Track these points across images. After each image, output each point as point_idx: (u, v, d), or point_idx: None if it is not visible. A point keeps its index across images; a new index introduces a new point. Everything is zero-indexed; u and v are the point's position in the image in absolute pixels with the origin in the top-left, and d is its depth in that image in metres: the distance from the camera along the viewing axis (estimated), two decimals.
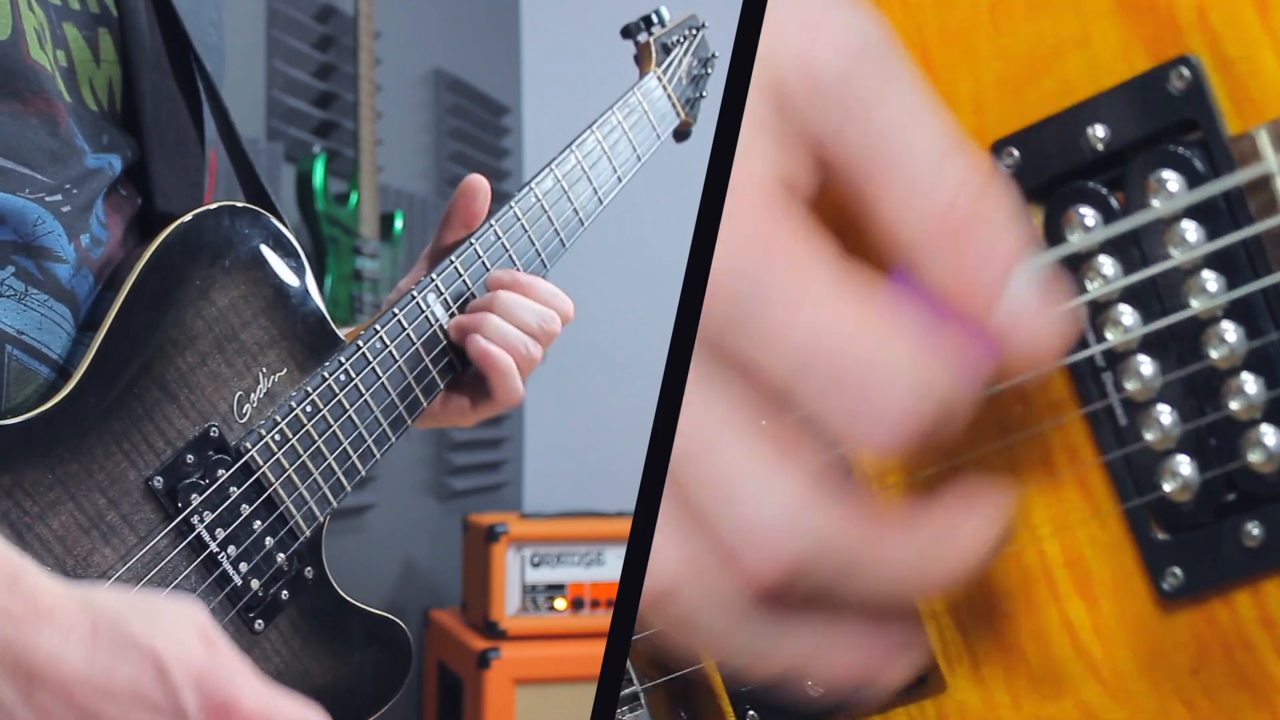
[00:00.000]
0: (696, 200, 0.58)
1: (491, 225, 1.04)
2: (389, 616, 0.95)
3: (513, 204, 1.05)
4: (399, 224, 2.74)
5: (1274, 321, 0.53)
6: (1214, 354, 0.54)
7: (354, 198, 2.60)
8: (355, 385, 0.93)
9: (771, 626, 0.53)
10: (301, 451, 0.89)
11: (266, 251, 0.89)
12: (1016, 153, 0.58)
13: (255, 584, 0.87)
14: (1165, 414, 0.56)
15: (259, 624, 0.88)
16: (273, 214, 0.91)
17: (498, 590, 2.76)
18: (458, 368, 1.01)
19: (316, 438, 0.90)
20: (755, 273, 0.52)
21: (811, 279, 0.51)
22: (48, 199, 0.81)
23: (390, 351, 0.96)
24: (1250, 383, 0.54)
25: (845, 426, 0.50)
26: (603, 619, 2.78)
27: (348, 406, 0.93)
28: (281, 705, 0.69)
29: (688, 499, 0.53)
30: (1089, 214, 0.57)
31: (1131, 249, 0.56)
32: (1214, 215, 0.54)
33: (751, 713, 0.67)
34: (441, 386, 1.00)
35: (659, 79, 1.20)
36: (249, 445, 0.87)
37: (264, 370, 0.88)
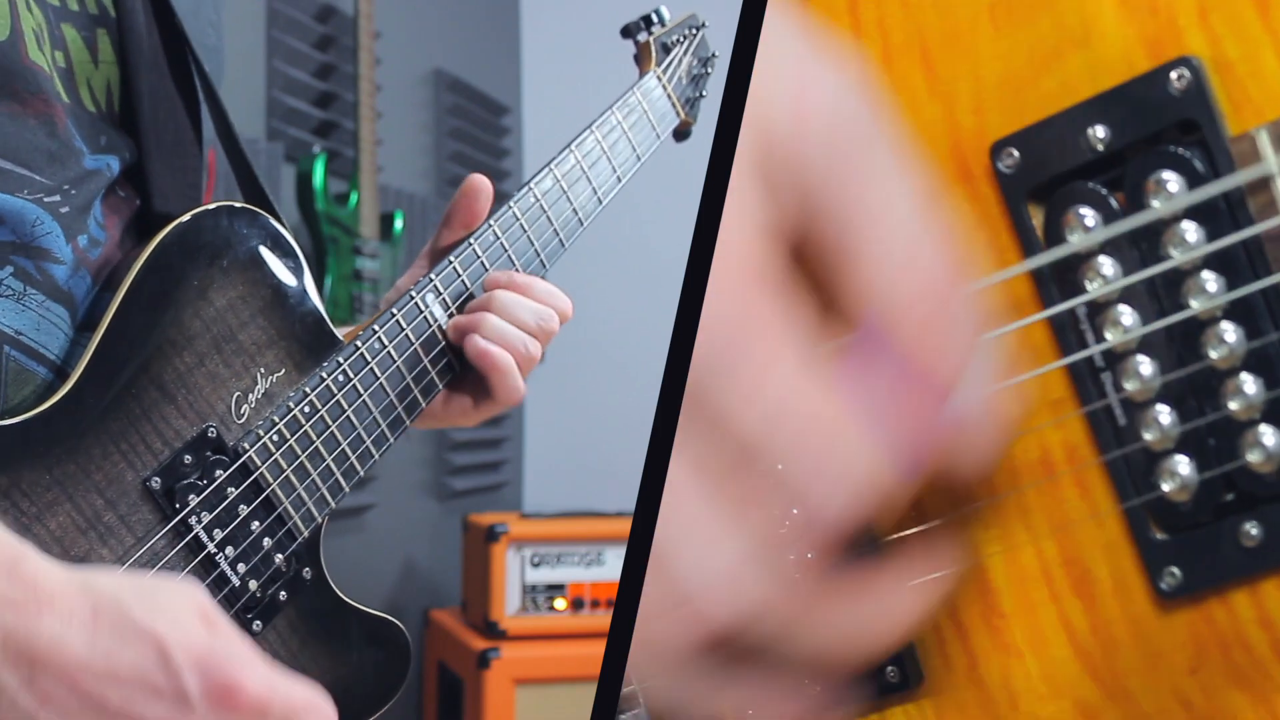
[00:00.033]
0: (696, 200, 0.58)
1: (490, 225, 1.04)
2: (387, 617, 0.95)
3: (512, 204, 1.05)
4: (399, 224, 2.74)
5: (1273, 322, 0.53)
6: (1213, 354, 0.54)
7: (354, 198, 2.60)
8: (353, 386, 0.93)
9: (713, 674, 0.55)
10: (300, 452, 0.89)
11: (265, 252, 0.89)
12: (1017, 153, 0.58)
13: (253, 584, 0.87)
14: (1164, 414, 0.56)
15: (257, 625, 0.88)
16: (271, 214, 0.91)
17: (498, 590, 2.76)
18: (456, 368, 1.01)
19: (315, 438, 0.90)
20: (732, 332, 0.54)
21: (782, 349, 0.53)
22: (46, 200, 0.81)
23: (389, 352, 0.96)
24: (1249, 383, 0.54)
25: (799, 494, 0.53)
26: (603, 619, 2.78)
27: (346, 407, 0.92)
28: (283, 686, 0.70)
29: (655, 558, 0.56)
30: (1089, 214, 0.57)
31: (1131, 249, 0.56)
32: (1214, 216, 0.54)
33: (749, 711, 0.67)
34: (440, 387, 1.00)
35: (659, 78, 1.20)
36: (247, 446, 0.87)
37: (262, 371, 0.88)
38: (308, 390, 0.90)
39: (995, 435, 0.55)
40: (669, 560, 0.55)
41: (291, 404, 0.89)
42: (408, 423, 0.97)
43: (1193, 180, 0.55)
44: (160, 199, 0.89)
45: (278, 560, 0.88)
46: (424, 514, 3.20)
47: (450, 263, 1.01)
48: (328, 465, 0.91)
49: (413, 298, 0.98)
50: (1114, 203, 0.57)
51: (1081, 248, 0.57)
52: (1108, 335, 0.56)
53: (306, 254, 0.92)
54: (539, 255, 1.06)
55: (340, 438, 0.92)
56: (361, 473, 0.93)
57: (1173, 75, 0.55)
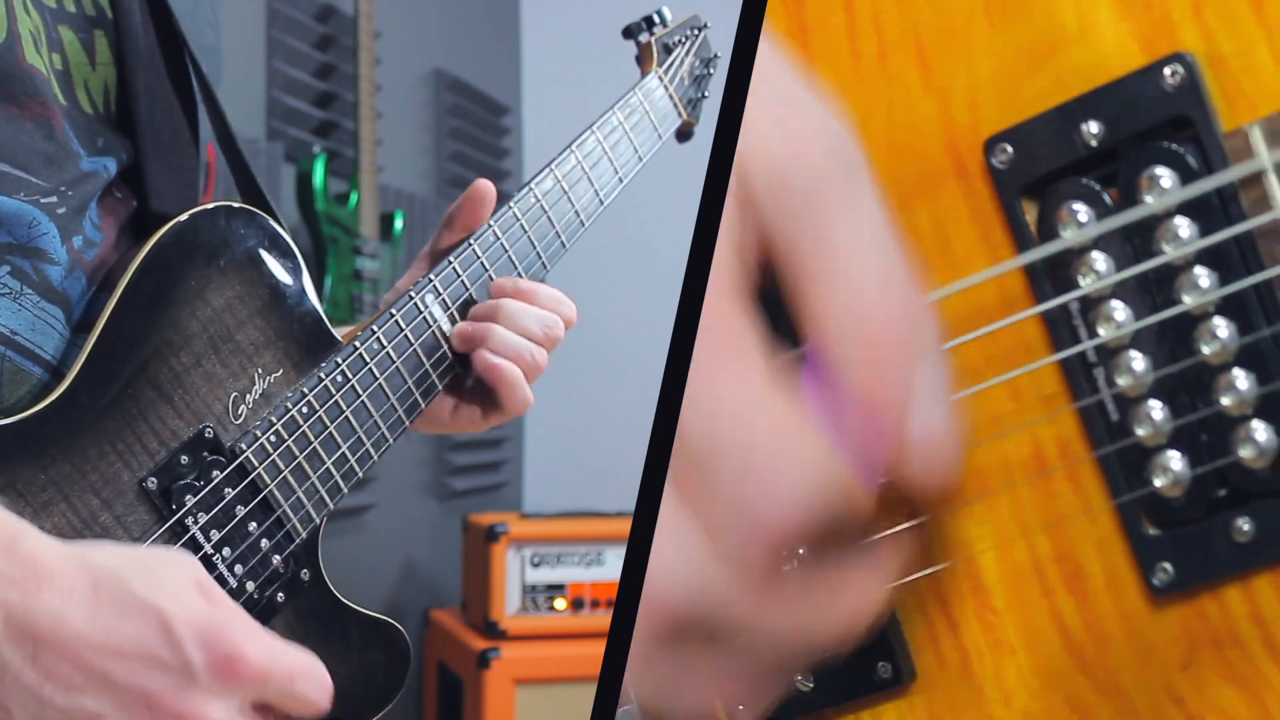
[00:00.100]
0: (696, 201, 0.58)
1: (491, 226, 1.04)
2: (387, 619, 0.95)
3: (512, 204, 1.05)
4: (399, 224, 2.74)
5: (1265, 317, 0.53)
6: (1206, 350, 0.54)
7: (354, 198, 2.60)
8: (352, 386, 0.93)
9: (676, 660, 0.56)
10: (298, 453, 0.89)
11: (262, 252, 0.89)
12: (1010, 149, 0.58)
13: (250, 586, 0.87)
14: (1157, 409, 0.56)
15: None
16: (269, 214, 0.91)
17: (498, 590, 2.76)
18: (456, 370, 1.01)
19: (313, 439, 0.90)
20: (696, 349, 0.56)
21: (738, 359, 0.54)
22: (43, 201, 0.81)
23: (388, 353, 0.96)
24: (1241, 378, 0.54)
25: (750, 497, 0.54)
26: (603, 619, 2.78)
27: (344, 408, 0.92)
28: (283, 655, 0.71)
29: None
30: (1082, 210, 0.57)
31: (1124, 245, 0.56)
32: (1207, 211, 0.54)
33: (741, 708, 0.67)
34: (440, 388, 1.00)
35: (660, 79, 1.20)
36: (244, 446, 0.87)
37: (259, 371, 0.88)
38: (305, 391, 0.90)
39: (949, 452, 0.56)
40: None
41: (289, 404, 0.89)
42: (407, 424, 0.97)
43: (1186, 176, 0.55)
44: (157, 200, 0.89)
45: (275, 561, 0.88)
46: (424, 514, 3.20)
47: (450, 263, 1.01)
48: (326, 466, 0.91)
49: (412, 298, 0.98)
50: (1107, 198, 0.57)
51: (1074, 243, 0.57)
52: (1100, 330, 0.56)
53: (306, 254, 0.92)
54: (540, 256, 1.06)
55: (339, 439, 0.92)
56: (360, 474, 0.93)
57: (1166, 71, 0.55)
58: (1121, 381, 0.56)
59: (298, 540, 0.89)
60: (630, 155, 1.14)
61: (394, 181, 2.98)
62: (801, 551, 0.55)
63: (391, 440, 0.96)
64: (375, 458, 0.94)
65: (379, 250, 2.62)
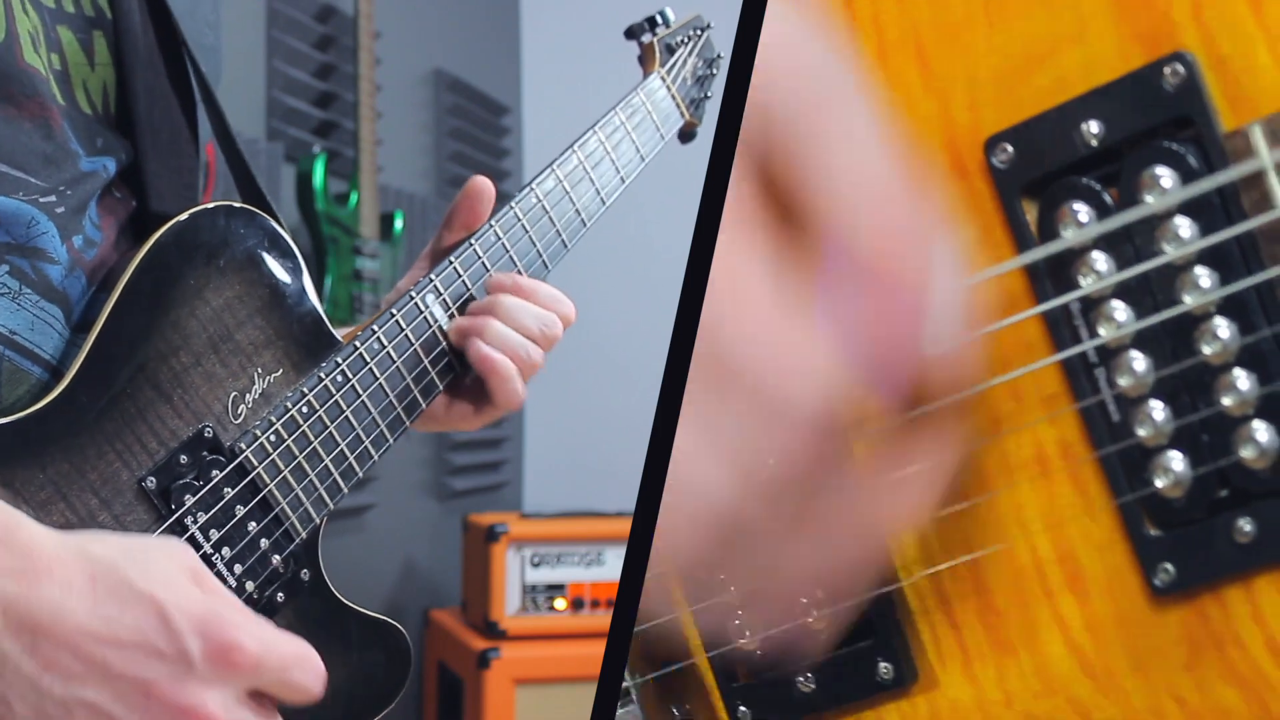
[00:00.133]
0: (697, 201, 0.58)
1: (492, 226, 1.04)
2: (387, 620, 0.95)
3: (513, 204, 1.05)
4: (399, 224, 2.74)
5: (1266, 317, 0.53)
6: (1206, 350, 0.54)
7: (354, 198, 2.60)
8: (352, 386, 0.93)
9: (717, 572, 0.56)
10: (297, 453, 0.89)
11: (262, 252, 0.89)
12: (1011, 148, 0.58)
13: (250, 585, 0.87)
14: (1158, 410, 0.56)
15: None
16: (269, 214, 0.91)
17: (498, 590, 2.76)
18: (456, 369, 1.01)
19: (313, 439, 0.90)
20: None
21: (749, 278, 0.55)
22: (41, 200, 0.81)
23: (388, 352, 0.96)
24: (1243, 379, 0.54)
25: (772, 410, 0.54)
26: (603, 619, 2.78)
27: (344, 408, 0.92)
28: (278, 644, 0.72)
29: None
30: (1082, 210, 0.57)
31: (1125, 245, 0.56)
32: (1207, 211, 0.54)
33: (743, 709, 0.67)
34: (440, 388, 1.00)
35: (662, 79, 1.20)
36: (244, 446, 0.87)
37: (259, 371, 0.88)
38: (305, 390, 0.90)
39: (968, 334, 0.55)
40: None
41: (289, 404, 0.89)
42: (407, 424, 0.97)
43: (1186, 176, 0.54)
44: (157, 200, 0.89)
45: (275, 561, 0.88)
46: (424, 514, 3.20)
47: (450, 263, 1.01)
48: (326, 466, 0.91)
49: (412, 298, 0.98)
50: (1108, 198, 0.57)
51: (1075, 243, 0.57)
52: (1101, 331, 0.56)
53: (306, 254, 0.92)
54: (541, 256, 1.06)
55: (338, 438, 0.92)
56: (360, 473, 0.93)
57: (1167, 71, 0.55)
58: (1122, 382, 0.56)
59: (297, 540, 0.89)
60: (633, 155, 1.14)
61: (394, 181, 2.98)
62: (826, 469, 0.55)
63: (391, 440, 0.96)
64: (375, 457, 0.94)
65: (379, 250, 2.62)
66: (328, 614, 0.92)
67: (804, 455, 0.54)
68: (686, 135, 1.26)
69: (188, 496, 0.84)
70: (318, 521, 0.91)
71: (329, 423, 0.91)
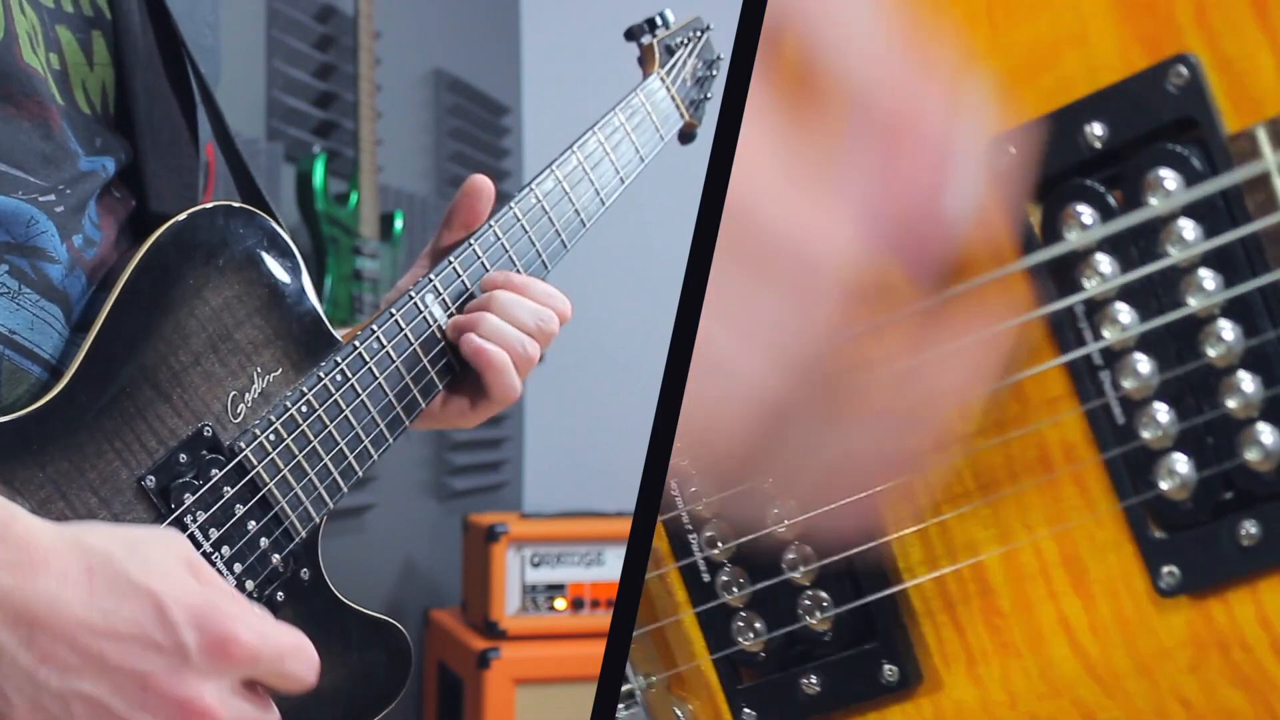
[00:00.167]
0: (697, 201, 0.58)
1: (491, 226, 1.04)
2: (388, 619, 0.95)
3: (513, 204, 1.05)
4: (399, 224, 2.74)
5: (1271, 320, 0.53)
6: (1211, 352, 0.54)
7: (354, 198, 2.60)
8: (352, 385, 0.93)
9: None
10: (297, 452, 0.89)
11: (261, 251, 0.89)
12: (1014, 150, 0.58)
13: (249, 584, 0.87)
14: (1162, 412, 0.56)
15: None
16: (268, 215, 0.91)
17: (498, 590, 2.76)
18: (456, 368, 1.01)
19: (312, 438, 0.90)
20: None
21: (768, 169, 0.54)
22: (40, 200, 0.81)
23: (387, 352, 0.96)
24: (1247, 381, 0.54)
25: (804, 295, 0.52)
26: (603, 619, 2.78)
27: (344, 407, 0.92)
28: (274, 635, 0.72)
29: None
30: (1086, 212, 0.57)
31: (1129, 247, 0.56)
32: (1212, 213, 0.54)
33: (748, 710, 0.68)
34: (440, 387, 1.00)
35: (662, 80, 1.20)
36: (243, 445, 0.87)
37: (258, 370, 0.88)
38: (305, 390, 0.90)
39: (991, 195, 0.54)
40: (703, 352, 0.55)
41: (288, 403, 0.89)
42: (407, 423, 0.97)
43: (1190, 178, 0.54)
44: (156, 199, 0.89)
45: (275, 560, 0.88)
46: (424, 514, 3.20)
47: (450, 263, 1.01)
48: (325, 465, 0.91)
49: (412, 298, 0.98)
50: (1112, 200, 0.57)
51: (1079, 245, 0.57)
52: (1105, 333, 0.56)
53: (306, 254, 0.92)
54: (540, 256, 1.06)
55: (338, 437, 0.92)
56: (360, 473, 0.93)
57: (1171, 73, 0.54)
58: (1127, 384, 0.56)
59: (297, 539, 0.89)
60: (632, 156, 1.14)
61: (394, 181, 2.98)
62: (866, 348, 0.53)
63: (391, 439, 0.96)
64: (375, 456, 0.94)
65: (379, 250, 2.62)
66: (328, 613, 0.92)
67: (840, 332, 0.52)
68: (686, 136, 1.26)
69: (187, 495, 0.84)
70: (317, 521, 0.91)
71: (328, 422, 0.91)
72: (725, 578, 0.67)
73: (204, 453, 0.85)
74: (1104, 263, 0.56)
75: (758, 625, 0.67)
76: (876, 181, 0.53)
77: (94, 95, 0.87)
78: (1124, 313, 0.56)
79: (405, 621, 0.96)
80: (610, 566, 2.82)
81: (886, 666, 0.63)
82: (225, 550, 0.85)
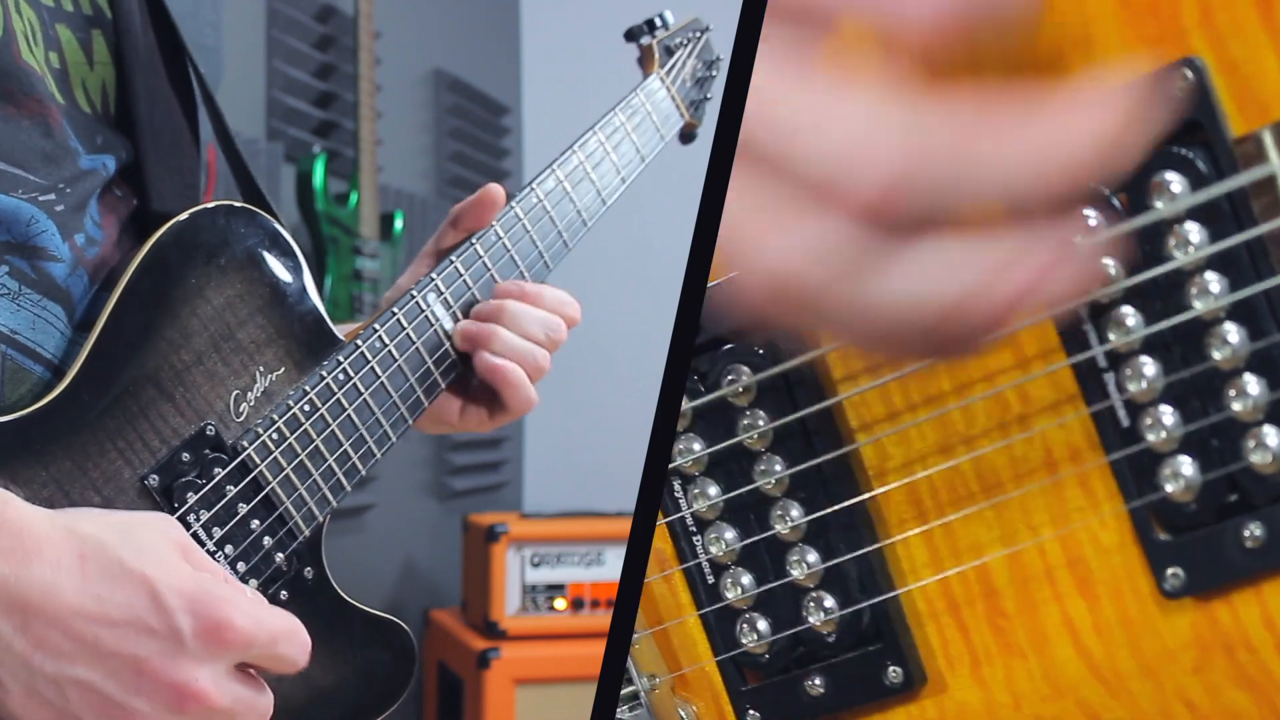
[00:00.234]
0: (697, 201, 0.58)
1: (493, 226, 1.04)
2: (392, 619, 0.95)
3: (514, 204, 1.05)
4: (399, 224, 2.74)
5: (1276, 323, 0.53)
6: (1216, 355, 0.54)
7: (354, 198, 2.60)
8: (354, 384, 0.93)
9: (899, 263, 0.47)
10: (300, 451, 0.89)
11: (263, 250, 0.89)
12: None
13: (253, 584, 0.87)
14: (1168, 415, 0.56)
15: None
16: (270, 214, 0.91)
17: (498, 590, 2.76)
18: (459, 368, 1.01)
19: (315, 437, 0.90)
20: None
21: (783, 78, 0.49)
22: (40, 199, 0.81)
23: (390, 351, 0.96)
24: (1252, 384, 0.54)
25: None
26: (603, 619, 2.78)
27: (347, 406, 0.92)
28: (268, 619, 0.73)
29: (767, 164, 0.49)
30: (1091, 215, 0.57)
31: (1134, 250, 0.56)
32: (1217, 217, 0.54)
33: (752, 712, 0.68)
34: (443, 386, 1.00)
35: (662, 80, 1.20)
36: (246, 444, 0.87)
37: (261, 369, 0.88)
38: (307, 389, 0.90)
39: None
40: (797, 162, 0.48)
41: (291, 402, 0.89)
42: (410, 422, 0.97)
43: (1196, 181, 0.54)
44: (158, 199, 0.90)
45: (278, 559, 0.88)
46: (424, 514, 3.20)
47: (452, 262, 1.01)
48: (329, 464, 0.91)
49: (414, 297, 0.98)
50: (1117, 203, 0.57)
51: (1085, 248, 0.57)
52: (1111, 336, 0.56)
53: (306, 254, 0.92)
54: (542, 256, 1.06)
55: (341, 436, 0.92)
56: (363, 471, 0.93)
57: (1176, 76, 0.54)
58: (1132, 387, 0.56)
59: (300, 538, 0.89)
60: (633, 155, 1.15)
61: (394, 181, 2.98)
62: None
63: (394, 438, 0.96)
64: (378, 455, 0.94)
65: (379, 250, 2.62)
66: (332, 612, 0.92)
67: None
68: (687, 136, 1.26)
69: (190, 494, 0.84)
70: (321, 520, 0.91)
71: (331, 421, 0.91)
72: (729, 579, 0.67)
73: (207, 452, 0.85)
74: (1109, 266, 0.56)
75: (762, 627, 0.67)
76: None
77: (94, 94, 0.87)
78: (1129, 316, 0.56)
79: (405, 621, 0.96)
80: (610, 566, 2.82)
81: (891, 668, 0.63)
82: (229, 549, 0.85)
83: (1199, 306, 0.55)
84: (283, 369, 0.89)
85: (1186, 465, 0.55)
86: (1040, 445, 0.58)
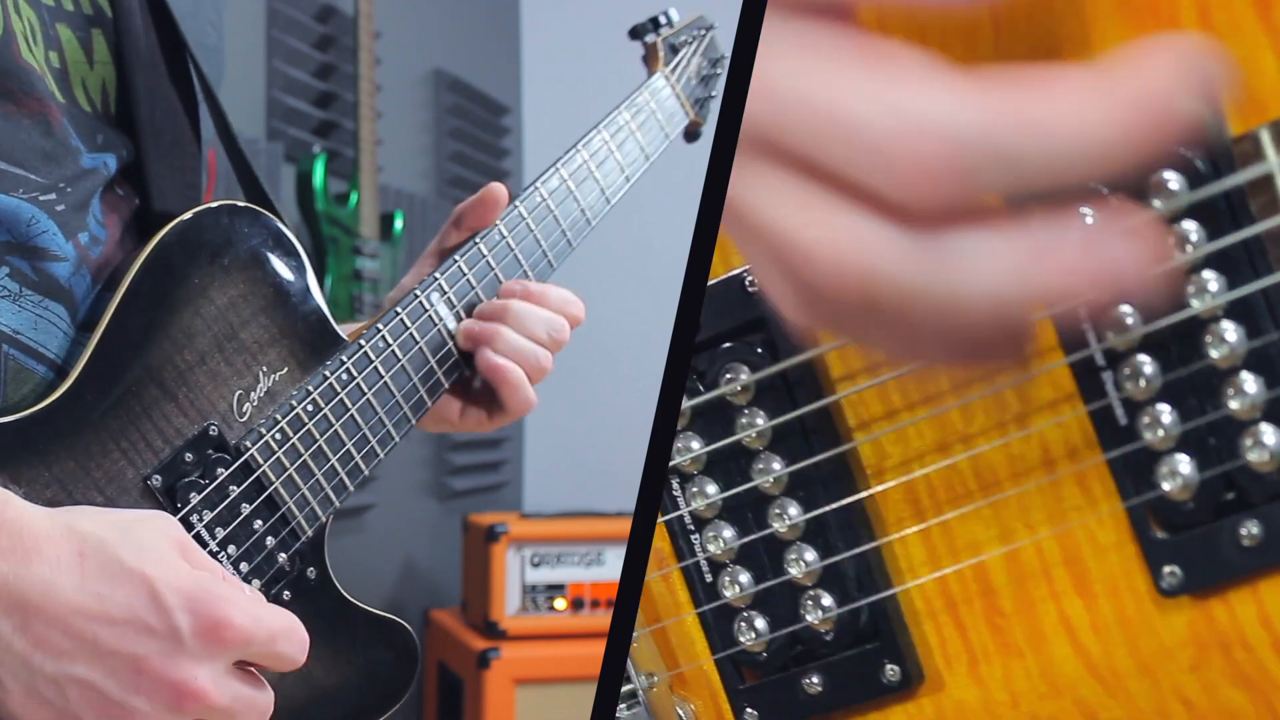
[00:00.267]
0: (698, 201, 0.58)
1: (497, 225, 1.04)
2: (394, 619, 0.95)
3: (518, 203, 1.05)
4: (399, 224, 2.74)
5: (1274, 321, 0.54)
6: (1214, 353, 0.54)
7: (354, 198, 2.60)
8: (358, 384, 0.93)
9: (969, 256, 0.46)
10: (303, 450, 0.89)
11: (266, 250, 0.89)
12: None
13: (256, 584, 0.87)
14: (1165, 413, 0.56)
15: None
16: (273, 214, 0.91)
17: (498, 590, 2.76)
18: (463, 368, 1.01)
19: (318, 437, 0.90)
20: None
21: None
22: (41, 198, 0.81)
23: (393, 350, 0.96)
24: (1250, 382, 0.54)
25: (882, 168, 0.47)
26: (603, 619, 2.78)
27: (350, 405, 0.92)
28: (266, 617, 0.73)
29: (803, 159, 0.48)
30: (1088, 214, 0.57)
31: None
32: (1215, 215, 0.54)
33: (750, 710, 0.68)
34: (446, 386, 1.00)
35: (667, 79, 1.20)
36: (249, 444, 0.87)
37: (264, 369, 0.88)
38: (311, 389, 0.90)
39: None
40: (842, 162, 0.47)
41: (294, 402, 0.89)
42: (413, 421, 0.97)
43: (1194, 179, 0.55)
44: (159, 198, 0.90)
45: (281, 559, 0.88)
46: (424, 514, 3.20)
47: (455, 261, 1.01)
48: (332, 464, 0.91)
49: (417, 296, 0.98)
50: (1115, 202, 0.57)
51: None
52: (1109, 335, 0.57)
53: (307, 254, 0.92)
54: (546, 255, 1.06)
55: (344, 436, 0.92)
56: (367, 472, 0.93)
57: None
58: (1130, 385, 0.56)
59: (303, 538, 0.89)
60: (637, 154, 1.14)
61: (394, 181, 2.98)
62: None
63: (397, 438, 0.96)
64: (381, 455, 0.94)
65: (379, 250, 2.62)
66: (335, 612, 0.92)
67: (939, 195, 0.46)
68: (691, 134, 1.26)
69: (193, 494, 0.84)
70: (324, 520, 0.91)
71: (334, 421, 0.91)
72: (727, 578, 0.67)
73: (210, 452, 0.85)
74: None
75: (760, 625, 0.67)
76: None
77: (94, 93, 0.87)
78: (1127, 315, 0.56)
79: (405, 621, 0.96)
80: (610, 566, 2.82)
81: (888, 666, 0.63)
82: (232, 549, 0.85)
83: (1196, 305, 0.55)
84: (286, 369, 0.89)
85: (1184, 464, 0.55)
86: (1038, 444, 0.59)
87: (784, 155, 0.48)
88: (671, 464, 0.67)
